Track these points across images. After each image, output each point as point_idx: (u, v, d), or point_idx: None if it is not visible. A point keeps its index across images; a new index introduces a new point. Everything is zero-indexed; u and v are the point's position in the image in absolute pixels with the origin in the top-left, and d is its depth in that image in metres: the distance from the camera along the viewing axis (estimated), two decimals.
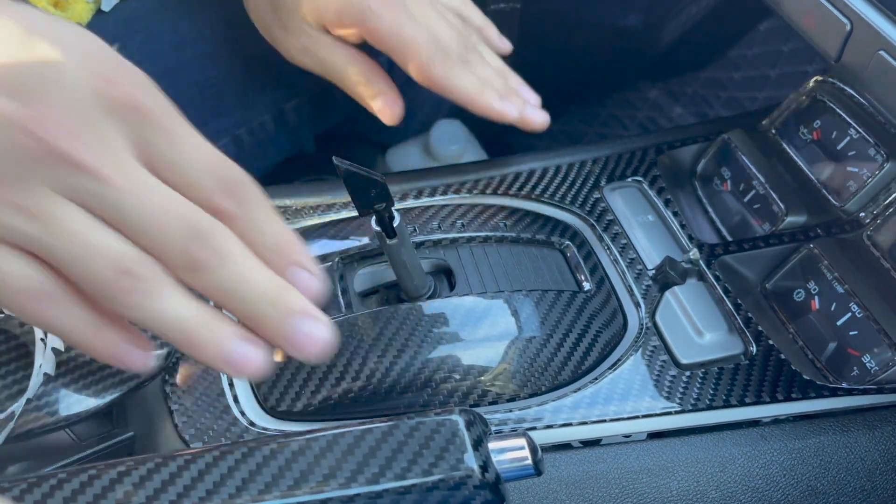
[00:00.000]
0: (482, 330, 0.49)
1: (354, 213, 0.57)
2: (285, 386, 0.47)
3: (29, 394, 0.42)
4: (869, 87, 0.47)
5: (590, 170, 0.63)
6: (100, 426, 0.47)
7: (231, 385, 0.48)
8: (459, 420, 0.38)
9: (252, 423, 0.46)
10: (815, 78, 0.63)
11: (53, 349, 0.44)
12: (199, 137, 0.35)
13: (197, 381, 0.48)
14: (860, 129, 0.58)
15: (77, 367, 0.45)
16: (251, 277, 0.34)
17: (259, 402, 0.47)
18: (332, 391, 0.47)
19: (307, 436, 0.37)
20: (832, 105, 0.60)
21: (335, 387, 0.47)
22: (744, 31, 1.16)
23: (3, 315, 0.45)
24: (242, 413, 0.47)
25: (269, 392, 0.47)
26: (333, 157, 0.44)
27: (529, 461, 0.38)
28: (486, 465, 0.36)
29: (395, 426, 0.37)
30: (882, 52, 0.45)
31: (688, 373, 0.50)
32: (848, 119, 0.58)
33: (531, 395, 0.49)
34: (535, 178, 0.62)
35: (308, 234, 0.56)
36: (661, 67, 1.20)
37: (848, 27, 0.47)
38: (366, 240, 0.54)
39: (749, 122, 0.66)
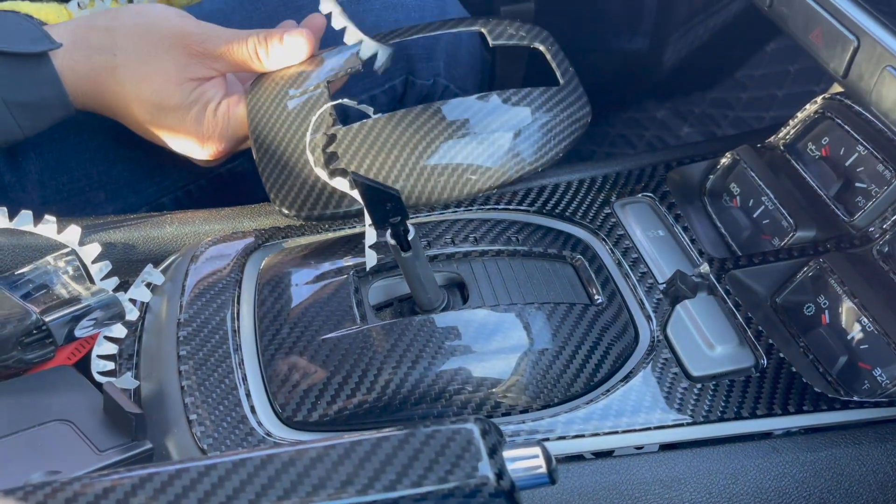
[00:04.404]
0: (495, 342, 0.50)
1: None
2: (301, 396, 0.48)
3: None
4: (876, 103, 0.48)
5: (600, 186, 0.64)
6: (119, 438, 0.48)
7: (248, 396, 0.48)
8: (475, 429, 0.38)
9: (269, 434, 0.47)
10: (822, 95, 0.64)
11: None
12: None
13: (214, 393, 0.48)
14: (868, 146, 0.58)
15: None
16: None
17: (276, 412, 0.48)
18: (347, 402, 0.48)
19: (324, 443, 0.37)
20: (840, 122, 0.61)
21: (351, 397, 0.48)
22: (751, 51, 1.17)
23: None
24: (259, 423, 0.47)
25: (285, 402, 0.48)
26: (351, 172, 0.45)
27: (544, 469, 0.38)
28: (501, 473, 0.37)
29: (411, 434, 0.38)
30: (889, 68, 0.46)
31: (699, 385, 0.50)
32: (856, 136, 0.59)
33: (544, 407, 0.49)
34: (546, 194, 0.62)
35: (323, 247, 0.57)
36: (668, 88, 1.21)
37: (855, 44, 0.48)
38: (381, 253, 0.55)
39: (757, 139, 0.66)
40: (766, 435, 0.49)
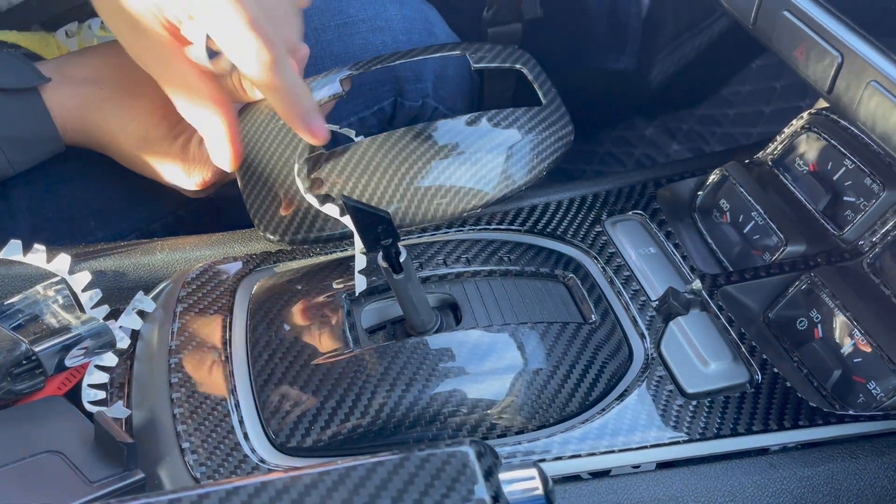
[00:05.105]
0: (489, 363, 0.50)
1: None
2: (295, 422, 0.47)
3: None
4: (861, 117, 0.48)
5: (591, 204, 0.64)
6: (111, 468, 0.47)
7: (241, 422, 0.48)
8: (470, 451, 0.38)
9: (263, 460, 0.46)
10: (808, 111, 0.64)
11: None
12: None
13: (207, 420, 0.48)
14: (855, 160, 0.59)
15: None
16: None
17: (269, 438, 0.48)
18: (341, 426, 0.47)
19: (319, 469, 0.37)
20: (826, 137, 0.61)
21: (344, 422, 0.47)
22: (737, 69, 1.18)
23: None
24: (253, 450, 0.47)
25: (278, 428, 0.47)
26: (342, 195, 0.45)
27: (541, 491, 0.38)
28: (497, 496, 0.36)
29: (406, 458, 0.38)
30: (873, 83, 0.46)
31: (694, 402, 0.50)
32: (842, 150, 0.60)
33: (539, 427, 0.49)
34: (537, 213, 0.63)
35: (314, 271, 0.56)
36: (656, 106, 1.22)
37: (839, 59, 0.49)
38: (373, 276, 0.55)
39: (746, 155, 0.67)
40: (762, 451, 0.49)
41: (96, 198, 0.72)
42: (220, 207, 0.77)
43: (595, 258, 0.60)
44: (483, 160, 0.56)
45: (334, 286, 0.54)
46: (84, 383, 0.51)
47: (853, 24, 0.49)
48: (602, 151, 1.25)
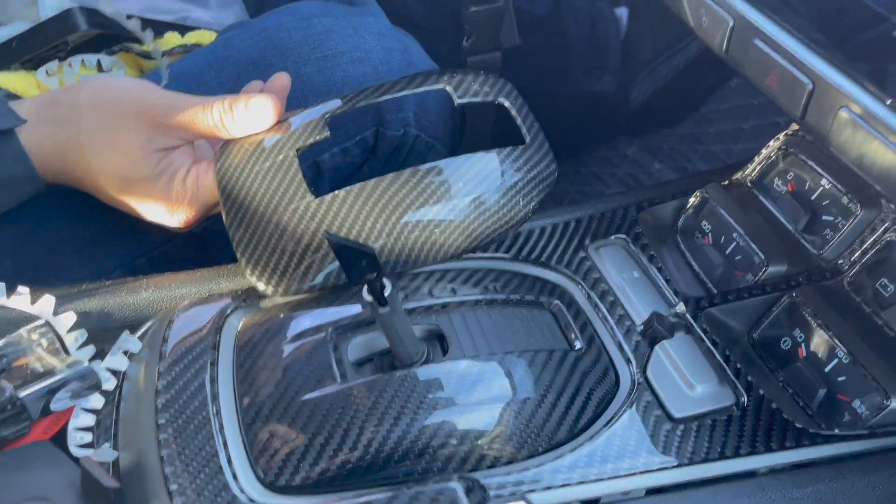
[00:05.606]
0: (477, 394, 0.50)
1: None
2: (284, 460, 0.47)
3: None
4: (833, 143, 0.49)
5: (574, 229, 0.64)
6: None
7: (229, 462, 0.48)
8: (458, 487, 0.38)
9: (252, 500, 0.46)
10: (784, 132, 0.65)
11: None
12: None
13: (195, 461, 0.48)
14: (831, 179, 0.60)
15: None
16: None
17: (258, 477, 0.47)
18: (330, 463, 0.47)
19: None
20: (803, 157, 0.62)
21: (333, 459, 0.47)
22: (715, 87, 1.20)
23: None
24: (242, 490, 0.46)
25: (267, 467, 0.47)
26: (326, 233, 0.45)
27: None
28: None
29: (395, 497, 0.38)
30: (844, 110, 0.47)
31: (682, 426, 0.51)
32: (819, 170, 0.60)
33: (529, 457, 0.49)
34: (521, 240, 0.63)
35: (300, 305, 0.56)
36: (637, 125, 1.24)
37: (810, 86, 0.50)
38: (358, 308, 0.55)
39: (725, 176, 0.68)
40: (751, 473, 0.49)
41: (80, 234, 0.72)
42: (207, 240, 0.77)
43: (580, 284, 0.60)
44: (469, 205, 0.56)
45: (321, 320, 0.54)
46: (70, 426, 0.51)
47: (823, 51, 0.50)
48: (586, 171, 1.26)
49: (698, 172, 0.79)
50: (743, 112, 1.19)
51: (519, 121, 0.61)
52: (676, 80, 1.18)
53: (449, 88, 0.61)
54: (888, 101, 0.46)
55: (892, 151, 0.45)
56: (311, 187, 0.57)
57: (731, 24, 0.56)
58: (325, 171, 0.78)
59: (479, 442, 0.48)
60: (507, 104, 0.61)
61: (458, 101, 0.60)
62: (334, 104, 0.60)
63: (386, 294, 0.47)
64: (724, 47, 0.57)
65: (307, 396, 0.49)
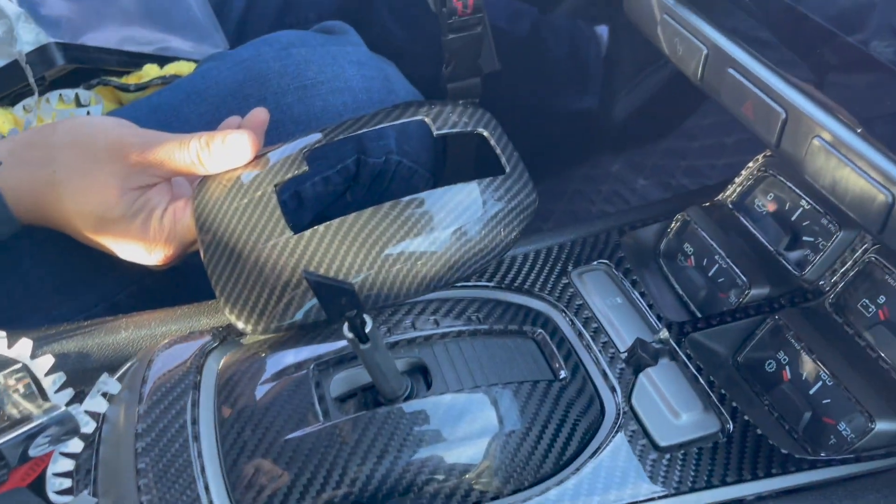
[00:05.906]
0: (461, 428, 0.49)
1: None
2: (267, 500, 0.47)
3: None
4: (808, 171, 0.50)
5: (556, 256, 0.64)
6: None
7: None
8: None
9: None
10: (763, 154, 0.65)
11: None
12: None
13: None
14: (810, 201, 0.60)
15: None
16: None
17: None
18: (314, 503, 0.46)
19: None
20: (782, 179, 0.62)
21: (317, 498, 0.47)
22: (697, 102, 1.20)
23: None
24: None
25: None
26: (304, 271, 0.45)
27: None
28: None
29: None
30: (817, 139, 0.47)
31: (668, 455, 0.50)
32: (797, 191, 0.61)
33: (515, 491, 0.48)
34: (503, 268, 0.63)
35: (281, 341, 0.56)
36: (621, 142, 1.24)
37: (783, 116, 0.50)
38: (340, 343, 0.54)
39: (707, 197, 0.68)
40: (738, 502, 0.49)
41: (59, 270, 0.71)
42: (187, 272, 0.77)
43: (563, 311, 0.60)
44: (451, 236, 0.56)
45: (303, 356, 0.54)
46: (49, 472, 0.50)
47: (797, 81, 0.50)
48: (570, 189, 1.26)
49: (679, 194, 0.79)
50: (726, 127, 1.20)
51: (498, 150, 0.61)
52: (659, 96, 1.18)
53: (427, 120, 0.61)
54: (859, 130, 0.46)
55: (863, 179, 0.45)
56: (292, 219, 0.56)
57: (705, 52, 0.56)
58: (306, 200, 0.78)
59: (465, 477, 0.48)
60: (486, 134, 0.61)
61: (436, 133, 0.60)
62: (313, 138, 0.60)
63: (367, 330, 0.47)
64: (699, 75, 0.57)
65: (290, 436, 0.49)
